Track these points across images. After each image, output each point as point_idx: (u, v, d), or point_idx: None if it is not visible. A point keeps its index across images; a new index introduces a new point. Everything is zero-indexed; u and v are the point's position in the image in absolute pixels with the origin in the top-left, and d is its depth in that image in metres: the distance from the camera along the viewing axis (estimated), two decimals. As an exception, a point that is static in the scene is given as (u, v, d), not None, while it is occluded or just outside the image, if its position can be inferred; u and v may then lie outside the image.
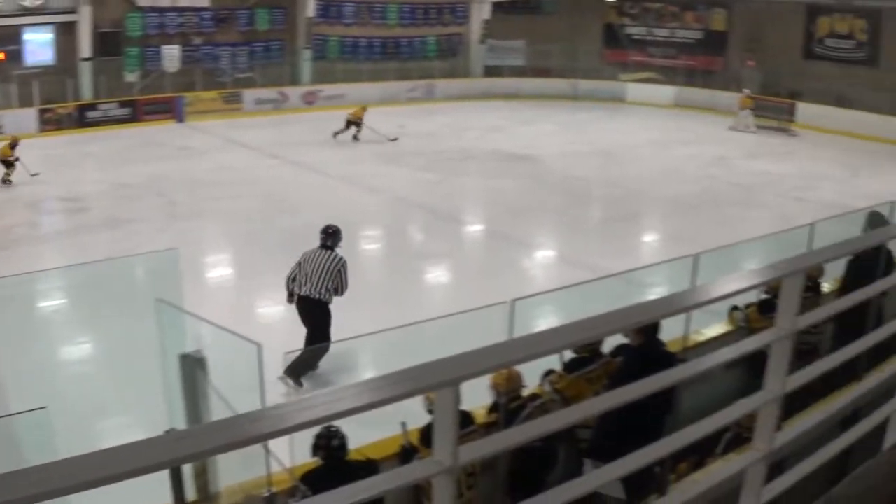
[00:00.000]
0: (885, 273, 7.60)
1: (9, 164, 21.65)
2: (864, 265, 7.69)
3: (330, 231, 10.98)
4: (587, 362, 6.96)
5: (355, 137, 27.63)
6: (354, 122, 27.68)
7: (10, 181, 21.43)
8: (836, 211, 15.04)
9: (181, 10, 32.05)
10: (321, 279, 10.57)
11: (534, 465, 6.57)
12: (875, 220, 8.89)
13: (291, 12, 34.89)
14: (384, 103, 35.24)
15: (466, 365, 2.36)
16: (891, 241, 7.83)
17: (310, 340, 10.59)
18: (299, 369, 10.39)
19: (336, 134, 27.58)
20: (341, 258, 10.75)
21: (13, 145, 21.94)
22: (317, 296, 10.55)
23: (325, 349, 10.45)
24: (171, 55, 31.88)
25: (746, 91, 33.94)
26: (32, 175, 21.37)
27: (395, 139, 27.81)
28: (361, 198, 20.92)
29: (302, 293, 10.65)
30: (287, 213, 18.96)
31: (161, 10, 31.62)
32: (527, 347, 2.57)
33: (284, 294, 11.02)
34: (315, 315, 10.65)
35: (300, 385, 10.33)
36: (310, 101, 34.40)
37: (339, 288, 10.71)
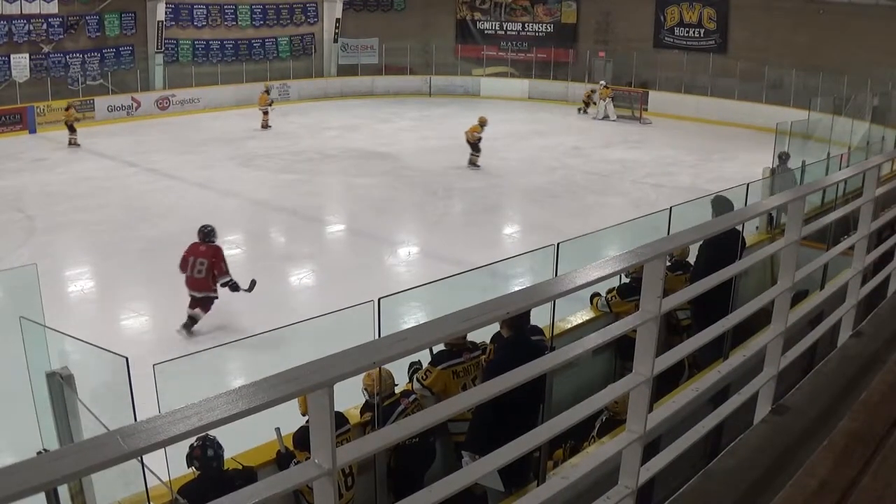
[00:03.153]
0: (739, 253, 7.82)
1: (476, 148, 23.90)
2: (717, 246, 7.87)
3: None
4: (454, 356, 6.94)
5: None
6: None
7: (478, 165, 24.07)
8: (691, 195, 15.50)
9: (29, 18, 30.71)
10: None
11: (412, 462, 6.52)
12: (719, 204, 9.13)
13: (141, 16, 33.87)
14: (239, 105, 34.74)
15: (339, 365, 2.37)
16: (745, 222, 8.09)
17: None
18: None
19: None
20: None
21: (482, 123, 23.81)
22: None
23: None
24: (20, 64, 30.63)
25: (602, 82, 34.78)
26: None
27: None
28: (219, 202, 20.50)
29: None
30: (146, 221, 18.47)
31: (9, 18, 30.25)
32: (398, 344, 2.55)
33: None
34: None
35: None
36: (163, 106, 33.58)
37: None
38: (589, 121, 34.23)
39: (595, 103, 34.81)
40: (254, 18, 38.14)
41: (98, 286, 15.47)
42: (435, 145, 28.05)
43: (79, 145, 27.17)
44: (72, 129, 27.45)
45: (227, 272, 12.38)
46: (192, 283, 12.30)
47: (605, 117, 34.02)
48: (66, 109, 28.23)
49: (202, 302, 12.40)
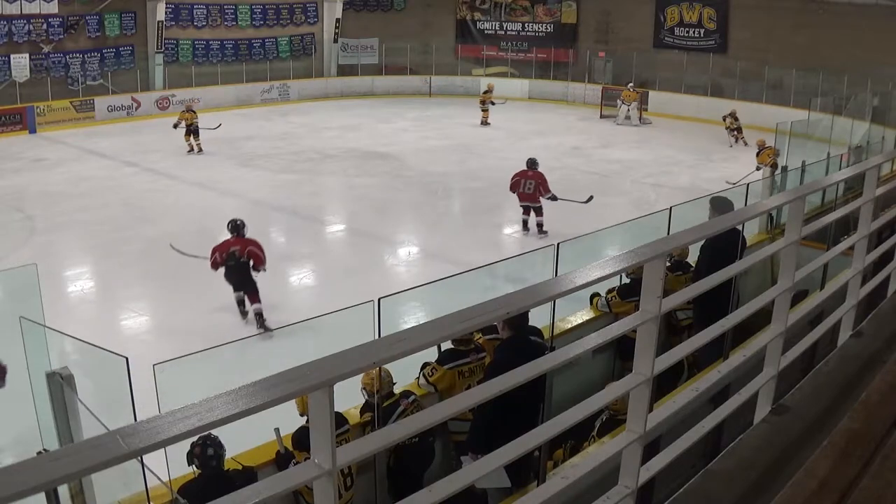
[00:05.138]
0: (739, 253, 7.82)
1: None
2: (717, 247, 7.86)
3: None
4: (461, 355, 6.94)
5: None
6: None
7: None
8: (691, 195, 15.48)
9: (29, 18, 30.63)
10: None
11: (411, 462, 6.52)
12: (718, 204, 9.12)
13: (141, 16, 33.79)
14: (239, 106, 34.74)
15: (339, 365, 2.37)
16: (745, 222, 8.08)
17: None
18: None
19: None
20: None
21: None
22: None
23: None
24: (20, 64, 30.56)
25: (630, 85, 34.41)
26: None
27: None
28: (219, 202, 20.47)
29: None
30: (146, 222, 18.44)
31: (9, 18, 30.17)
32: (398, 344, 2.55)
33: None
34: None
35: None
36: (163, 106, 33.54)
37: None
38: (593, 122, 34.13)
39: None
40: (254, 18, 38.08)
41: (98, 286, 15.46)
42: (435, 145, 28.03)
43: (202, 151, 25.77)
44: (193, 134, 25.82)
45: (549, 189, 17.52)
46: (523, 197, 17.70)
47: (627, 118, 33.58)
48: (185, 112, 26.22)
49: (535, 210, 17.69)
